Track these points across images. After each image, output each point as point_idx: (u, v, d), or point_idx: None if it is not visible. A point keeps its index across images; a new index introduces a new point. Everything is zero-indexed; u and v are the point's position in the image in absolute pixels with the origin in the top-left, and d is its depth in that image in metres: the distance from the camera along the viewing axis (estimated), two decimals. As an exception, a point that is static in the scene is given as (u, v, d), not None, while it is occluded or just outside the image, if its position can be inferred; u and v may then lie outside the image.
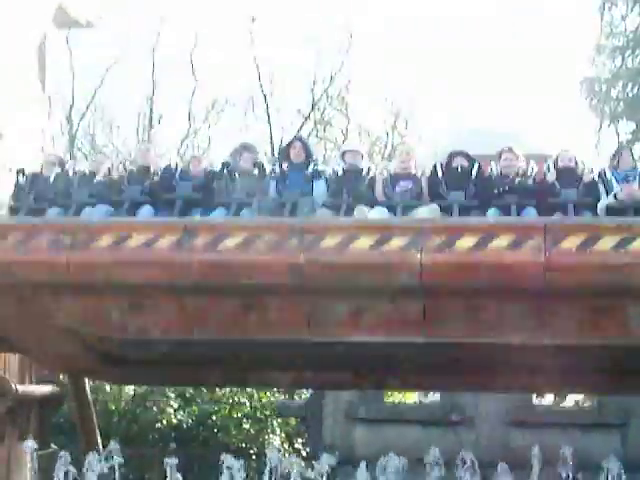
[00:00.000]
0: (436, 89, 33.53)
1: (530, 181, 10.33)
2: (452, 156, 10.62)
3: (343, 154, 10.74)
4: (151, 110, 34.25)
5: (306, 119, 34.21)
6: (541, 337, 9.42)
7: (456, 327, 9.51)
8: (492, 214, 9.95)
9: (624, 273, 8.99)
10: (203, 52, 35.13)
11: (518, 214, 9.92)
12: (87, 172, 11.30)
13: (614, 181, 10.06)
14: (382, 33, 34.62)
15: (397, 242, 9.20)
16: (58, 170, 11.30)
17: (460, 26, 44.78)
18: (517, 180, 10.20)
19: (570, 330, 9.37)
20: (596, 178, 10.25)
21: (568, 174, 10.29)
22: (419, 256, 9.06)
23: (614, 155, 10.48)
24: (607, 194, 10.03)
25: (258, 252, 9.30)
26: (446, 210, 10.04)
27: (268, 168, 10.94)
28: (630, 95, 26.64)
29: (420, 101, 34.04)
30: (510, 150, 10.59)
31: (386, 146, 33.77)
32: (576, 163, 10.48)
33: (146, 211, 10.46)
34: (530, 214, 9.93)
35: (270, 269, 9.27)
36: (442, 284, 9.23)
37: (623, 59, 27.20)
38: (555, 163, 10.47)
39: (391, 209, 10.06)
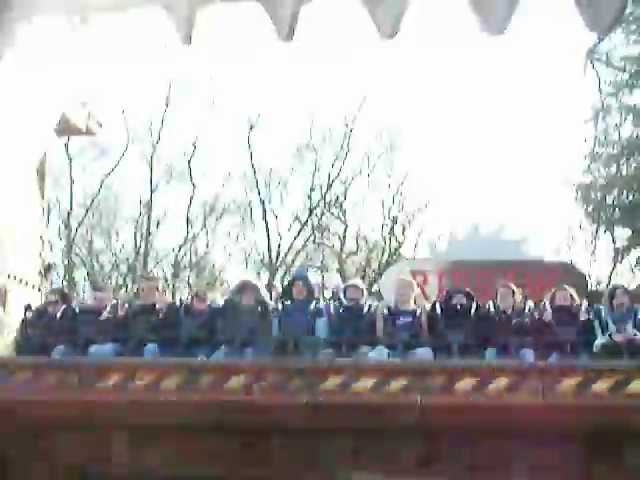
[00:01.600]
0: (435, 194, 33.72)
1: (527, 319, 10.52)
2: (451, 293, 10.95)
3: (345, 289, 10.99)
4: (149, 216, 34.43)
5: (304, 225, 34.39)
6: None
7: (454, 471, 9.66)
8: (490, 354, 10.18)
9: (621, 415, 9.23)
10: (201, 158, 35.51)
11: (516, 354, 10.13)
12: (92, 308, 11.41)
13: (609, 321, 10.29)
14: (378, 136, 34.92)
15: (397, 384, 9.36)
16: (63, 306, 11.41)
17: (455, 132, 45.39)
18: (514, 321, 10.41)
19: (568, 474, 9.51)
20: (591, 316, 10.47)
21: (564, 313, 10.50)
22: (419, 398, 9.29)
23: (609, 295, 10.60)
24: (602, 332, 10.23)
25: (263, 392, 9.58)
26: (445, 349, 10.26)
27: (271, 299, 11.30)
28: (626, 202, 26.80)
29: (417, 205, 34.17)
30: (506, 285, 10.91)
31: (383, 252, 33.84)
32: (572, 298, 10.67)
33: (151, 350, 10.57)
34: (527, 356, 10.10)
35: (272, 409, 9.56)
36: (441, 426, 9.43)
37: (618, 167, 27.42)
38: (551, 301, 10.67)
39: (391, 347, 10.26)
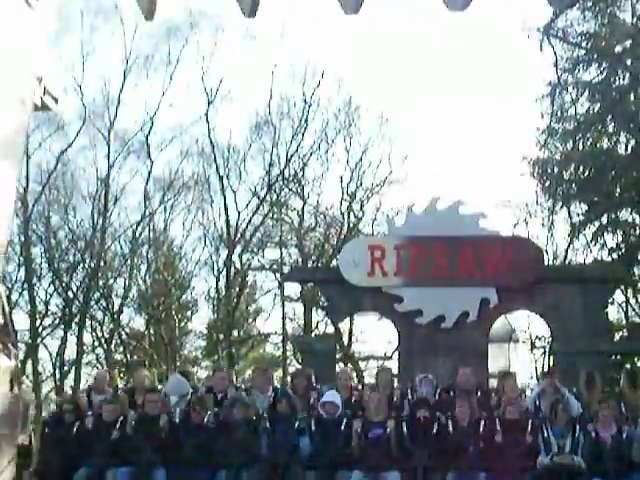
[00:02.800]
0: (393, 169, 33.87)
1: (481, 442, 12.10)
2: (416, 406, 12.54)
3: (323, 404, 12.45)
4: (106, 192, 34.21)
5: (262, 201, 34.34)
6: None
7: None
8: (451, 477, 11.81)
9: None
10: (159, 134, 35.40)
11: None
12: (103, 423, 12.71)
13: (552, 438, 11.84)
14: (336, 111, 34.92)
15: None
16: (77, 423, 12.92)
17: (411, 105, 45.54)
18: (470, 448, 11.96)
19: None
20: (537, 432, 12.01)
21: (513, 430, 12.07)
22: None
23: (551, 409, 12.24)
24: (545, 446, 11.81)
25: None
26: (412, 470, 11.76)
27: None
28: (582, 177, 26.98)
29: (376, 180, 34.25)
30: (462, 405, 12.45)
31: (342, 228, 33.89)
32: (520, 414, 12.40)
33: (161, 476, 12.01)
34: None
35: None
36: None
37: (574, 142, 27.59)
38: (502, 418, 12.26)
39: (365, 468, 11.82)
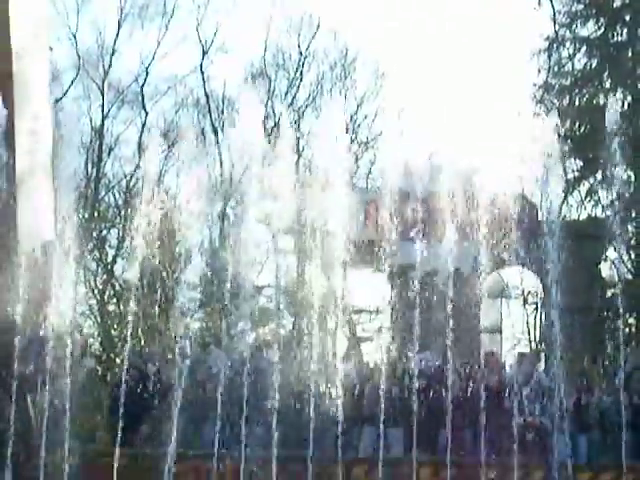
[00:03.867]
0: (389, 123, 33.75)
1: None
2: (416, 377, 14.20)
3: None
4: (100, 143, 34.04)
5: (257, 153, 34.12)
6: None
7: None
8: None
9: None
10: (154, 84, 35.16)
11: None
12: None
13: (525, 402, 13.84)
14: (332, 63, 34.69)
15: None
16: None
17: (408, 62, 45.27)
18: None
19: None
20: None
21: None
22: None
23: (524, 382, 14.10)
24: (519, 410, 13.79)
25: None
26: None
27: None
28: (577, 133, 26.91)
29: (371, 134, 34.13)
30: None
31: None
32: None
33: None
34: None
35: None
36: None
37: (571, 98, 27.48)
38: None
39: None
